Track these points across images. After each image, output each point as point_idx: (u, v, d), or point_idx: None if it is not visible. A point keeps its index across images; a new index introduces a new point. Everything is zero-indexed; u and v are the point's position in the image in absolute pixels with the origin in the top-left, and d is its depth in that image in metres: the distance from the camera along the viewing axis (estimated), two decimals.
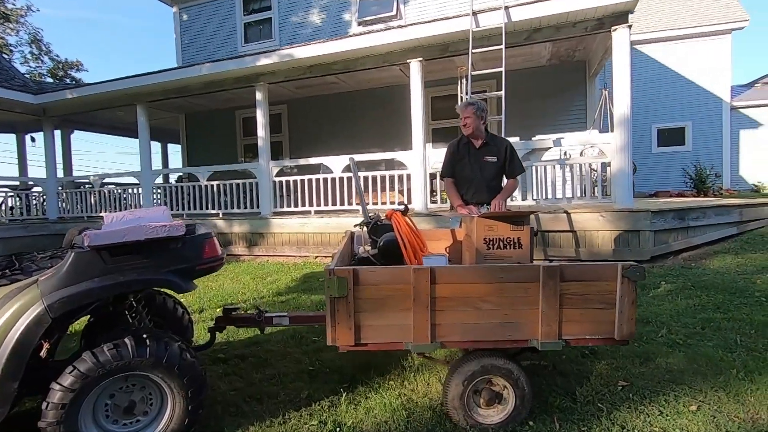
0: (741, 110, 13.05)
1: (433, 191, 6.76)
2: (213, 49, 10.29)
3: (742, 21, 12.33)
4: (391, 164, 7.15)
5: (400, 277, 1.94)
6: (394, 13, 8.73)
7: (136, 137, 8.88)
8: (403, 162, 6.55)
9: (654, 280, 4.50)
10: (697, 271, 4.77)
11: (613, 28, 5.35)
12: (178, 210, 8.04)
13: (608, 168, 5.72)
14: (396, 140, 8.11)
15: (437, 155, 6.83)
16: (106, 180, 9.50)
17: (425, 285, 1.93)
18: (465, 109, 3.33)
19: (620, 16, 5.29)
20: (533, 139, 7.70)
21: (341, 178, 6.83)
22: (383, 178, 6.61)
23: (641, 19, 13.50)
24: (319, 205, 7.01)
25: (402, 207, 2.49)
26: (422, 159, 6.23)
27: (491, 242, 2.83)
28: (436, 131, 8.81)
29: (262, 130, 7.28)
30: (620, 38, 5.29)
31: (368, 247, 2.48)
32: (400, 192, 6.78)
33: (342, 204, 6.82)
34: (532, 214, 3.12)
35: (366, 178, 6.72)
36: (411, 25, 6.30)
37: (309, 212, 7.07)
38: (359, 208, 6.77)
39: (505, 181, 3.56)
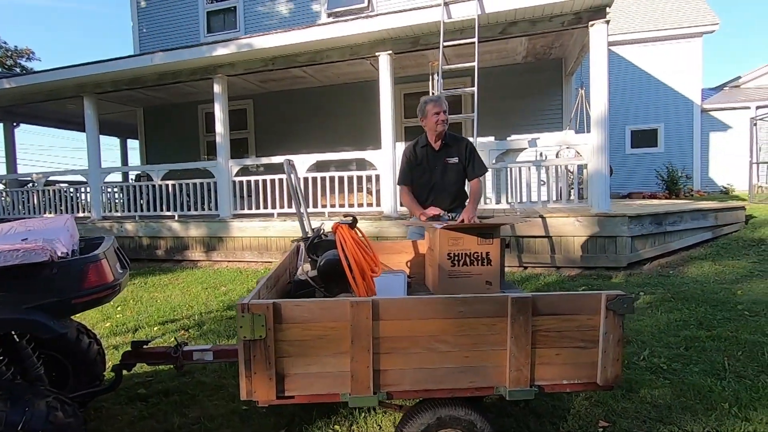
0: (711, 113, 13.20)
1: None
2: (173, 38, 9.63)
3: (712, 24, 12.44)
4: (362, 164, 6.75)
5: (334, 313, 1.54)
6: (365, 5, 8.31)
7: (101, 133, 8.17)
8: (372, 162, 6.15)
9: (632, 290, 4.25)
10: (675, 279, 4.55)
11: (591, 23, 5.08)
12: (131, 212, 7.42)
13: (585, 170, 5.47)
14: (368, 139, 7.71)
15: None
16: (52, 178, 8.74)
17: (366, 322, 1.53)
18: (440, 103, 2.94)
19: (598, 11, 5.02)
20: (508, 139, 7.44)
21: (307, 179, 6.38)
22: (350, 179, 6.19)
23: (614, 20, 13.46)
24: (282, 207, 6.53)
25: (350, 219, 2.08)
26: (392, 159, 5.84)
27: (456, 258, 2.46)
28: (409, 129, 8.44)
29: (220, 126, 6.74)
30: (598, 34, 5.03)
31: (308, 267, 2.06)
32: (369, 193, 6.38)
33: (308, 206, 6.36)
34: (504, 225, 2.77)
35: (333, 179, 6.29)
36: (379, 14, 5.90)
37: (272, 215, 6.59)
38: (325, 210, 6.36)
39: (469, 186, 3.20)
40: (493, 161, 5.77)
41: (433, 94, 5.52)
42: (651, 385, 2.45)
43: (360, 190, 6.26)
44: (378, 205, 6.09)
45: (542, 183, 5.93)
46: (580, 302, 1.62)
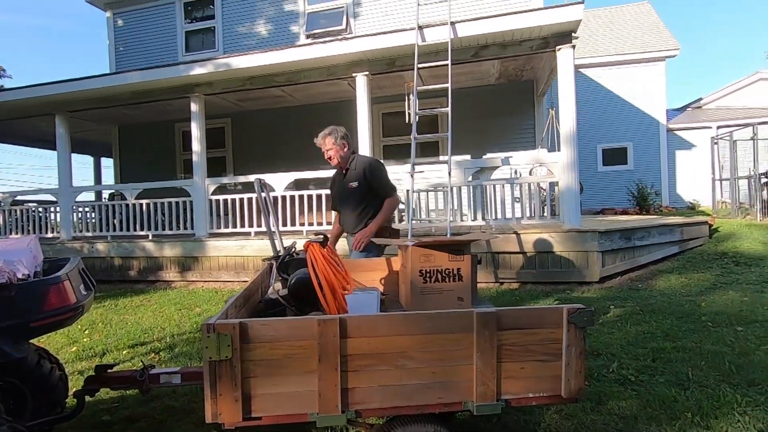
0: (676, 132, 13.83)
1: None
2: (151, 57, 9.59)
3: (674, 49, 13.17)
4: None
5: (301, 332, 1.54)
6: (343, 27, 8.49)
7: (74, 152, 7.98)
8: None
9: (604, 304, 4.36)
10: (644, 293, 4.70)
11: (558, 47, 5.32)
12: (104, 232, 7.22)
13: (556, 187, 5.64)
14: None
15: (390, 173, 6.53)
16: (20, 198, 8.47)
17: (333, 340, 1.54)
18: (323, 142, 3.14)
19: (564, 36, 5.27)
20: (484, 157, 7.62)
21: (285, 197, 6.37)
22: (328, 196, 6.19)
23: (585, 44, 14.13)
24: (260, 225, 6.48)
25: (320, 237, 2.10)
26: None
27: (428, 274, 2.50)
28: (388, 148, 8.56)
29: (197, 145, 6.70)
30: (564, 58, 5.27)
31: (279, 286, 2.06)
32: None
33: (285, 224, 6.34)
34: (475, 241, 2.83)
35: (311, 197, 6.29)
36: (356, 37, 6.05)
37: (249, 233, 6.53)
38: (303, 229, 6.34)
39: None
40: (469, 179, 5.90)
41: (408, 114, 5.65)
42: (619, 397, 2.50)
43: None
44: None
45: (516, 200, 6.07)
46: (542, 316, 1.67)
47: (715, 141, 9.95)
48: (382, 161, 3.31)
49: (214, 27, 9.33)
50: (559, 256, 5.25)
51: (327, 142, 3.12)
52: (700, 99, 15.92)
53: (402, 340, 1.60)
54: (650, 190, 12.19)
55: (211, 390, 1.49)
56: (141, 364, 2.15)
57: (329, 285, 1.98)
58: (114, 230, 7.17)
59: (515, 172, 7.33)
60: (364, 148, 6.00)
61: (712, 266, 5.38)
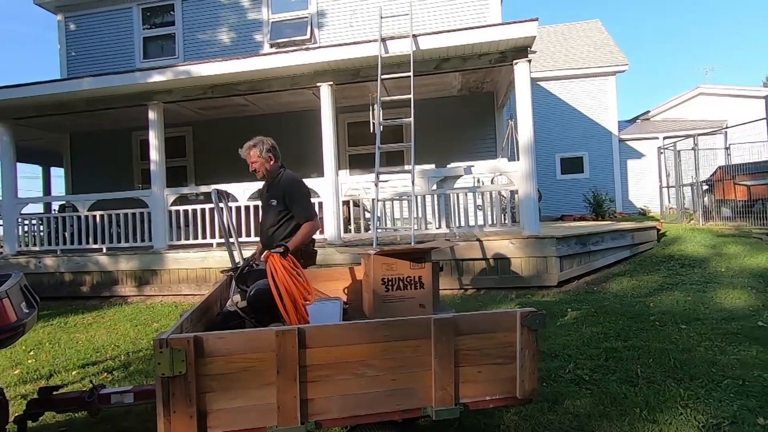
0: (627, 143, 14.64)
1: (348, 220, 6.43)
2: (106, 63, 9.23)
3: (623, 65, 13.98)
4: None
5: (259, 344, 1.53)
6: (308, 36, 8.50)
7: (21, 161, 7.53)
8: (314, 189, 6.16)
9: (562, 307, 4.53)
10: (599, 295, 4.92)
11: (515, 61, 5.55)
12: (53, 245, 6.82)
13: (516, 195, 5.83)
14: (313, 166, 7.73)
15: (353, 182, 6.57)
16: None
17: (292, 351, 1.53)
18: (248, 153, 2.91)
19: (520, 51, 5.51)
20: (448, 166, 7.78)
21: (249, 207, 6.25)
22: None
23: (544, 59, 14.78)
24: (222, 236, 6.32)
25: (281, 248, 2.08)
26: (333, 186, 5.90)
27: (390, 283, 2.53)
28: (355, 157, 8.60)
29: (155, 154, 6.48)
30: (521, 71, 5.50)
31: (238, 298, 2.03)
32: None
33: (249, 235, 6.21)
34: (436, 249, 2.89)
35: None
36: (320, 47, 6.07)
37: (211, 245, 6.36)
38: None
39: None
40: (433, 187, 6.01)
41: (372, 124, 5.71)
42: (574, 396, 2.61)
43: None
44: (321, 233, 6.08)
45: (479, 208, 6.24)
46: (497, 321, 1.73)
47: (662, 151, 10.62)
48: (302, 180, 3.06)
49: (174, 34, 9.11)
50: (519, 262, 5.42)
51: (252, 155, 2.91)
52: (648, 111, 16.97)
53: (361, 348, 1.62)
54: (605, 197, 12.81)
55: (164, 407, 1.45)
56: (90, 384, 2.05)
57: (290, 295, 1.97)
58: (64, 244, 6.79)
59: (478, 180, 7.53)
60: (329, 158, 6.00)
61: (660, 268, 5.71)
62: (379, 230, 6.10)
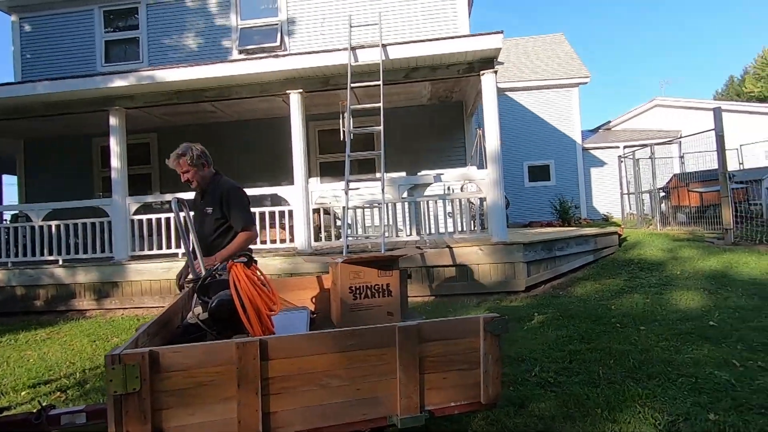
0: (591, 151, 15.24)
1: (318, 228, 6.37)
2: (65, 66, 8.87)
3: (585, 77, 14.60)
4: (277, 200, 6.64)
5: (218, 356, 1.48)
6: (278, 44, 8.45)
7: None
8: (284, 197, 6.10)
9: (529, 311, 4.63)
10: (564, 299, 5.06)
11: (482, 72, 5.70)
12: (3, 258, 6.43)
13: (484, 203, 5.95)
14: (283, 174, 7.65)
15: (323, 190, 6.53)
16: None
17: (253, 363, 1.50)
18: (178, 163, 2.79)
19: (486, 62, 5.66)
20: (419, 174, 7.87)
21: None
22: (263, 214, 6.05)
23: (509, 70, 15.24)
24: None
25: (244, 258, 2.04)
26: (303, 194, 5.85)
27: (358, 291, 2.53)
28: (326, 165, 8.57)
29: (117, 161, 6.25)
30: (487, 82, 5.65)
31: (200, 310, 1.97)
32: (283, 228, 6.28)
33: None
34: (404, 257, 2.90)
35: None
36: (290, 54, 6.06)
37: (176, 255, 6.16)
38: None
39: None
40: (404, 195, 6.05)
41: (343, 132, 5.72)
42: (539, 399, 2.66)
43: (273, 226, 6.14)
44: (291, 241, 6.01)
45: (449, 215, 6.33)
46: (461, 327, 1.75)
47: (622, 159, 11.10)
48: (241, 187, 2.95)
49: (139, 38, 8.86)
50: (488, 268, 5.52)
51: (182, 164, 2.77)
52: (610, 122, 17.74)
53: (325, 358, 1.60)
54: (570, 204, 13.26)
55: (116, 427, 1.38)
56: (39, 405, 1.93)
57: (253, 306, 1.93)
58: (16, 256, 6.42)
59: (448, 188, 7.65)
60: (299, 166, 5.95)
61: (621, 272, 5.94)
62: (350, 238, 6.08)
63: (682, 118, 16.10)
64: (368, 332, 1.63)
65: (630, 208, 11.34)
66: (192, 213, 2.86)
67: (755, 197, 9.12)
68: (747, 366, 2.96)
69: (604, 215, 14.66)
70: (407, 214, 6.13)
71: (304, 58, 5.83)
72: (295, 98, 6.00)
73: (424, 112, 8.35)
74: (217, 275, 2.10)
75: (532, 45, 17.23)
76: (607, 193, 14.84)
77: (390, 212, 5.98)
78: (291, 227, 6.05)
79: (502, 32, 5.30)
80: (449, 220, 6.22)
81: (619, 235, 7.55)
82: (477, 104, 7.94)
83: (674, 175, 9.96)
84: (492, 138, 5.57)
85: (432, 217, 5.94)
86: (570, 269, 6.20)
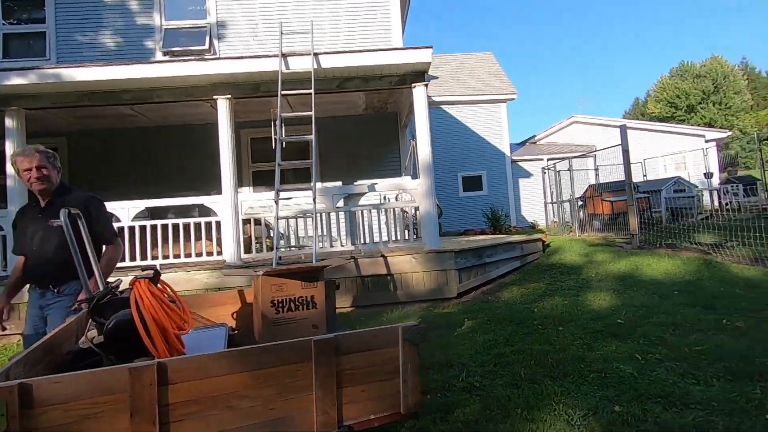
0: (518, 163, 16.22)
1: (249, 239, 6.11)
2: None
3: (512, 94, 15.57)
4: (206, 210, 6.27)
5: (107, 384, 1.33)
6: (206, 47, 8.09)
7: None
8: (212, 208, 5.78)
9: (459, 317, 4.75)
10: (492, 304, 5.27)
11: (413, 84, 5.84)
12: None
13: (417, 212, 6.07)
14: (211, 183, 7.28)
15: (255, 199, 6.29)
16: None
17: (150, 390, 1.36)
18: (32, 158, 2.45)
19: (418, 75, 5.82)
20: (355, 183, 7.87)
21: (132, 228, 5.63)
22: (187, 226, 5.69)
23: (444, 84, 15.86)
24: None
25: (150, 272, 1.88)
26: (232, 204, 5.59)
27: (280, 304, 2.43)
28: (259, 174, 8.30)
29: (11, 168, 5.55)
30: (419, 94, 5.80)
31: (94, 333, 1.77)
32: (210, 240, 5.94)
33: (134, 259, 5.58)
34: (330, 267, 2.85)
35: (166, 227, 5.68)
36: (218, 58, 5.81)
37: None
38: (157, 263, 5.66)
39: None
40: (339, 204, 6.00)
41: (275, 140, 5.54)
42: (464, 404, 2.71)
43: (198, 238, 5.79)
44: (220, 253, 5.70)
45: (386, 224, 6.37)
46: (380, 337, 1.73)
47: (545, 171, 11.94)
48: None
49: (45, 32, 8.04)
50: (422, 276, 5.61)
51: (40, 159, 2.45)
52: (535, 136, 19.06)
53: (234, 379, 1.50)
54: (501, 213, 13.98)
55: None
56: None
57: (158, 326, 1.77)
58: None
59: (384, 198, 7.72)
60: (227, 174, 5.69)
61: (544, 276, 6.33)
62: (284, 249, 5.91)
63: (596, 133, 17.70)
64: (281, 348, 1.56)
65: (553, 216, 12.19)
66: (19, 229, 2.57)
67: (656, 206, 10.21)
68: (647, 359, 3.25)
69: (531, 223, 15.62)
70: (342, 224, 6.08)
71: (233, 63, 5.63)
72: (223, 104, 5.75)
73: (360, 121, 8.40)
74: (117, 294, 1.91)
75: (465, 61, 18.08)
76: (533, 203, 15.85)
77: (324, 222, 5.89)
78: (219, 239, 5.74)
79: (431, 47, 5.49)
80: (384, 230, 6.26)
81: (543, 242, 8.06)
82: (411, 115, 8.14)
83: (590, 185, 10.87)
84: (424, 149, 5.71)
85: (366, 227, 5.94)
86: (498, 275, 6.50)
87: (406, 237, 6.16)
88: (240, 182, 8.15)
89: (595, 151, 14.55)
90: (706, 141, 15.95)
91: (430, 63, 5.62)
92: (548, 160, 15.56)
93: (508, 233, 12.51)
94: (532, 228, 14.91)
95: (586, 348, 3.57)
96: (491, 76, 16.69)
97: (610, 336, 3.81)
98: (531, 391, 2.84)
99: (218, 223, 5.72)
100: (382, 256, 5.55)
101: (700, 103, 45.50)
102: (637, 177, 12.84)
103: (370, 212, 5.98)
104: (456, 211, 14.89)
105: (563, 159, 11.58)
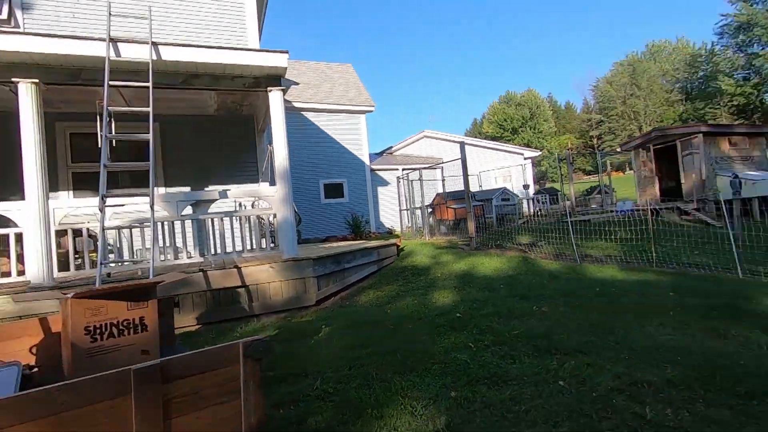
0: (377, 172, 17.11)
1: (66, 254, 5.09)
2: None
3: (370, 106, 16.38)
4: (5, 220, 4.97)
5: None
6: (5, 17, 6.52)
7: None
8: (10, 217, 4.65)
9: (318, 325, 4.75)
10: (350, 309, 5.41)
11: (269, 89, 5.67)
12: None
13: (275, 219, 5.89)
14: (13, 187, 5.85)
15: (74, 206, 5.28)
16: None
17: None
18: None
19: (274, 79, 5.67)
20: (206, 189, 7.25)
21: None
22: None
23: (306, 90, 15.81)
24: None
25: None
26: (40, 211, 4.59)
27: (98, 330, 2.07)
28: (80, 176, 7.01)
29: None
30: (275, 99, 5.66)
31: None
32: (7, 257, 4.76)
33: None
34: (165, 283, 2.56)
35: None
36: (21, 33, 4.73)
37: None
38: None
39: None
40: (186, 211, 5.44)
41: (100, 137, 4.73)
42: (318, 412, 2.71)
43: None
44: (22, 273, 4.61)
45: (240, 233, 6.00)
46: (217, 356, 1.61)
47: (400, 180, 12.85)
48: None
49: None
50: (280, 286, 5.45)
51: None
52: (391, 147, 20.39)
53: (25, 428, 1.21)
54: (362, 219, 14.55)
55: None
56: None
57: None
58: None
59: (240, 205, 7.29)
60: (32, 176, 4.64)
61: (398, 279, 6.77)
62: (113, 264, 5.09)
63: (443, 148, 19.81)
64: (88, 383, 1.32)
65: (408, 222, 13.18)
66: None
67: (489, 212, 11.88)
68: (478, 346, 3.73)
69: (389, 229, 16.61)
70: (189, 234, 5.53)
71: (44, 41, 4.65)
72: (26, 88, 4.69)
73: (212, 123, 7.79)
74: None
75: (326, 71, 18.35)
76: (391, 209, 16.89)
77: (167, 232, 5.27)
78: (21, 256, 4.64)
79: (287, 52, 5.42)
80: (239, 239, 5.89)
81: (398, 246, 8.64)
82: (268, 120, 7.89)
83: (438, 194, 12.08)
84: (280, 155, 5.58)
85: (218, 236, 5.52)
86: (357, 279, 6.71)
87: (263, 246, 5.92)
88: (55, 185, 6.78)
89: (442, 163, 16.25)
90: (525, 158, 19.28)
91: (286, 68, 5.53)
92: (403, 170, 16.79)
93: (368, 239, 13.06)
94: (390, 233, 15.86)
95: (431, 342, 3.92)
96: (351, 87, 17.30)
97: (451, 329, 4.26)
98: (381, 389, 2.99)
99: (18, 235, 4.62)
100: (236, 266, 5.22)
101: (521, 126, 55.68)
102: (474, 187, 14.77)
103: (222, 220, 5.56)
104: (318, 218, 14.94)
105: (415, 170, 12.63)
